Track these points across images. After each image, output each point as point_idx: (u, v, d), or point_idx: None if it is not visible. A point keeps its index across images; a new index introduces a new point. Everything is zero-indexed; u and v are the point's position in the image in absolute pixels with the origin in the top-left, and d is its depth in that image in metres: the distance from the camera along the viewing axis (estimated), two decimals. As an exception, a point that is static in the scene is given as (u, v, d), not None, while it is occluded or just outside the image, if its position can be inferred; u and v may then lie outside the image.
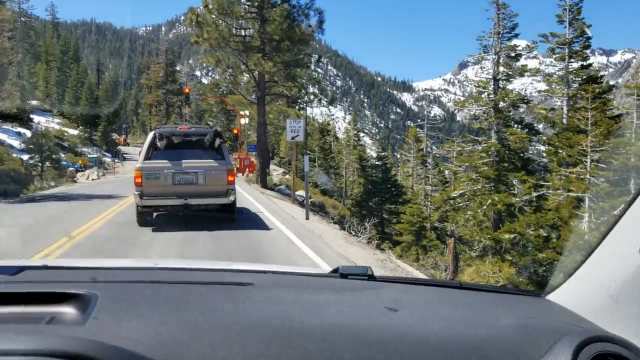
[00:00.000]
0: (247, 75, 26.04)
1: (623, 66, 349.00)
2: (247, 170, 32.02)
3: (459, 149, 30.10)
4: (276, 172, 37.40)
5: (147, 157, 10.30)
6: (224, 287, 1.38)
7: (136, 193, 9.89)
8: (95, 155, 45.09)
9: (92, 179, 33.23)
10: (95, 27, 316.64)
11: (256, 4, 23.14)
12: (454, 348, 1.02)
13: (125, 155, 55.80)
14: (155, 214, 11.32)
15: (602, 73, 27.90)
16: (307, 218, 13.44)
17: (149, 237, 9.40)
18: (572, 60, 24.67)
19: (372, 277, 1.50)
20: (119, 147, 59.82)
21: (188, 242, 8.92)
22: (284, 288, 1.40)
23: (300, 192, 20.65)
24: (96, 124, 56.12)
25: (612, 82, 33.36)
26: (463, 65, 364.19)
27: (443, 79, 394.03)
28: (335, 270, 1.57)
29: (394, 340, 1.01)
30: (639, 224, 1.10)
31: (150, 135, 10.92)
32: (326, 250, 8.97)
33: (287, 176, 33.77)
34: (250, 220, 11.96)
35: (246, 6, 23.76)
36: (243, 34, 24.05)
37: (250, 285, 1.38)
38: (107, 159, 49.68)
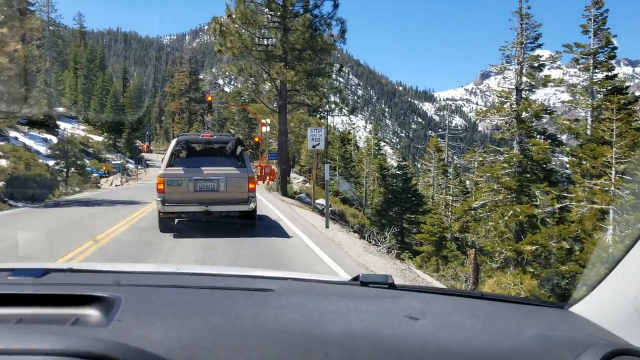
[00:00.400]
0: (269, 84, 26.19)
1: None
2: (267, 178, 32.16)
3: (481, 159, 29.84)
4: (297, 180, 37.47)
5: (170, 164, 10.40)
6: (245, 293, 1.38)
7: (158, 199, 10.00)
8: (119, 162, 45.73)
9: (116, 185, 33.69)
10: (122, 36, 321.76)
11: (279, 13, 23.31)
12: (476, 358, 1.01)
13: (148, 162, 56.46)
14: (176, 220, 11.42)
15: (627, 84, 27.43)
16: (327, 226, 13.44)
17: (171, 243, 9.49)
18: (596, 70, 24.36)
19: (392, 286, 1.48)
20: (142, 153, 60.52)
21: (208, 249, 8.98)
22: (304, 295, 1.39)
23: (321, 201, 20.64)
24: (120, 131, 56.93)
25: (638, 93, 32.82)
26: (485, 75, 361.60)
27: (465, 89, 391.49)
28: (355, 278, 1.56)
29: (415, 350, 1.01)
30: None
31: (173, 142, 11.04)
32: (345, 259, 8.95)
33: (307, 184, 33.81)
34: (270, 228, 11.99)
35: (269, 16, 23.95)
36: (265, 43, 24.23)
37: (271, 291, 1.38)
38: (131, 166, 50.30)
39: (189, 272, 1.80)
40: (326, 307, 1.25)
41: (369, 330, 1.09)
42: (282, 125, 25.33)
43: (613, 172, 18.85)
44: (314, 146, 14.75)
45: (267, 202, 18.58)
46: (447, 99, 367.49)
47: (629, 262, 1.23)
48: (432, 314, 1.25)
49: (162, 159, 11.30)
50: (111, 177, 38.12)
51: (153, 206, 13.31)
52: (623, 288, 1.22)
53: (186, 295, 1.33)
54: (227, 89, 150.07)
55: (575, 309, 1.37)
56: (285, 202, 20.30)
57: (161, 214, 10.31)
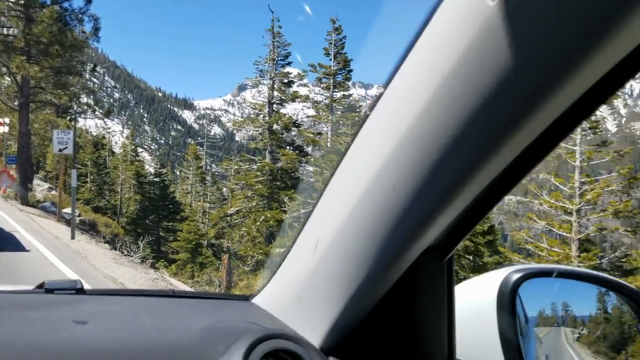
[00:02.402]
0: (9, 79, 23.53)
1: (377, 99, 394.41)
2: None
3: (237, 167, 31.05)
4: (41, 188, 33.90)
5: None
6: None
7: None
8: None
9: None
10: None
11: (21, 2, 21.10)
12: (135, 356, 1.02)
13: None
14: None
15: (360, 103, 31.32)
16: (73, 237, 12.67)
17: None
18: (336, 90, 27.29)
19: (81, 291, 1.43)
20: None
21: None
22: None
23: (68, 210, 19.20)
24: None
25: (368, 113, 37.61)
26: (242, 88, 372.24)
27: (223, 100, 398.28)
28: (40, 286, 1.46)
29: (63, 354, 0.99)
30: (315, 228, 1.13)
31: None
32: (92, 273, 8.64)
33: (53, 192, 30.93)
34: (1, 240, 10.81)
35: (10, 3, 21.49)
36: (5, 32, 21.72)
37: None
38: None
39: None
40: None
41: (25, 339, 1.03)
42: (23, 126, 22.94)
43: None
44: (60, 150, 13.80)
45: (1, 212, 16.63)
46: (207, 108, 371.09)
47: (294, 253, 1.25)
48: (107, 316, 1.25)
49: None
50: None
51: None
52: (288, 277, 1.26)
53: None
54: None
55: (256, 300, 1.41)
56: (25, 212, 18.40)
57: None
